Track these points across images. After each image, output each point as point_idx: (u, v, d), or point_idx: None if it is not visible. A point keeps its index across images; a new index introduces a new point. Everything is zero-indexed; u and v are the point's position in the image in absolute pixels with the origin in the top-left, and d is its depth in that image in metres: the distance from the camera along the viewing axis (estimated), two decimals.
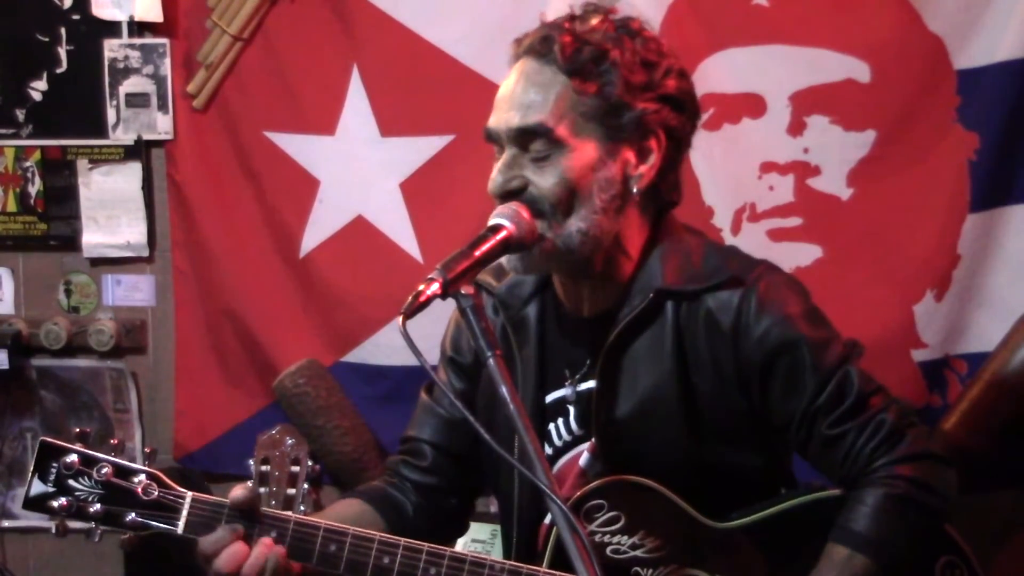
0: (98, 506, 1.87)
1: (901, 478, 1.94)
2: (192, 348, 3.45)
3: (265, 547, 1.86)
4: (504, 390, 1.73)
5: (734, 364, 1.98)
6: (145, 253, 3.47)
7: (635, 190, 1.98)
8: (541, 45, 1.97)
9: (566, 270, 2.03)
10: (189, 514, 1.88)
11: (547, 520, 2.07)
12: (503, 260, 1.97)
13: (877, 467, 1.95)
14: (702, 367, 1.99)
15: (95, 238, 3.47)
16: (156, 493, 1.88)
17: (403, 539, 1.90)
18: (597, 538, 1.97)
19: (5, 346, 3.42)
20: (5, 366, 3.42)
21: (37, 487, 1.88)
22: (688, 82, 2.04)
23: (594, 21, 2.00)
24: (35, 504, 1.88)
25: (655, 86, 1.98)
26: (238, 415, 3.41)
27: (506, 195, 1.94)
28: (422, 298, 1.74)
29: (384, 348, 3.26)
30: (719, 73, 3.01)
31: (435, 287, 1.75)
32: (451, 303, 1.80)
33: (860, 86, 2.95)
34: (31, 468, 1.88)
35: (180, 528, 1.88)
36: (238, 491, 1.87)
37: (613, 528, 1.98)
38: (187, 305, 3.45)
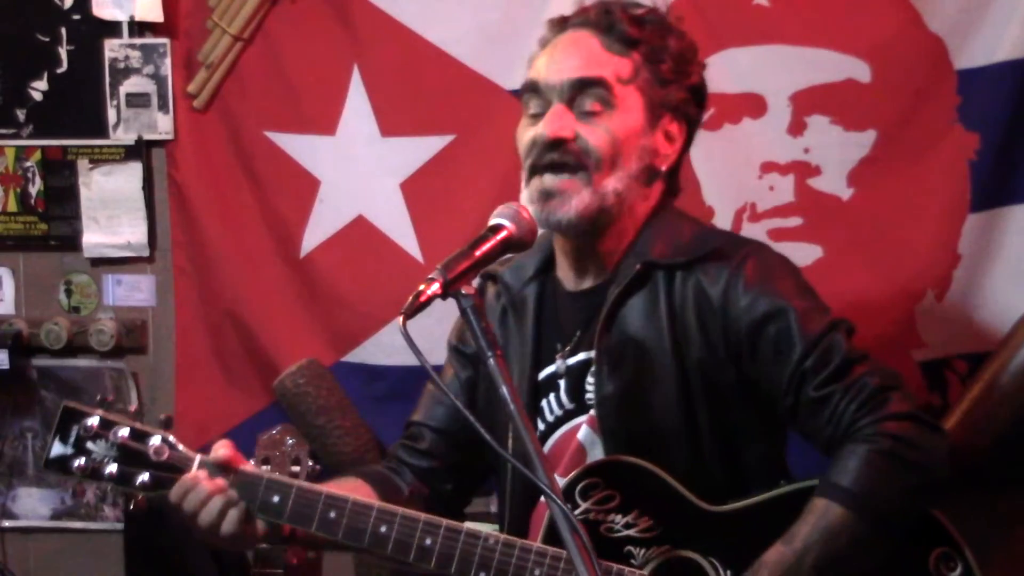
0: (113, 467, 1.95)
1: (885, 435, 1.94)
2: (192, 348, 3.45)
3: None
4: (505, 390, 1.74)
5: (723, 335, 2.02)
6: (145, 253, 3.47)
7: (662, 168, 2.10)
8: (602, 18, 2.09)
9: (586, 231, 2.07)
10: None
11: (541, 502, 2.10)
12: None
13: (861, 426, 1.96)
14: (693, 339, 2.04)
15: (95, 238, 3.47)
16: (167, 455, 1.97)
17: (401, 508, 1.97)
18: (591, 516, 2.00)
19: (5, 346, 3.42)
20: (5, 366, 3.42)
21: (57, 448, 1.96)
22: (705, 80, 2.18)
23: (641, 9, 2.14)
24: (55, 465, 1.97)
25: (690, 76, 2.13)
26: (238, 415, 3.41)
27: (554, 144, 2.02)
28: (422, 298, 1.75)
29: (385, 348, 3.26)
30: (719, 73, 2.99)
31: (435, 287, 1.76)
32: (452, 303, 1.81)
33: (860, 86, 2.95)
34: (53, 431, 1.96)
35: None
36: (217, 448, 1.99)
37: (607, 507, 2.00)
38: (187, 305, 3.45)
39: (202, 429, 3.43)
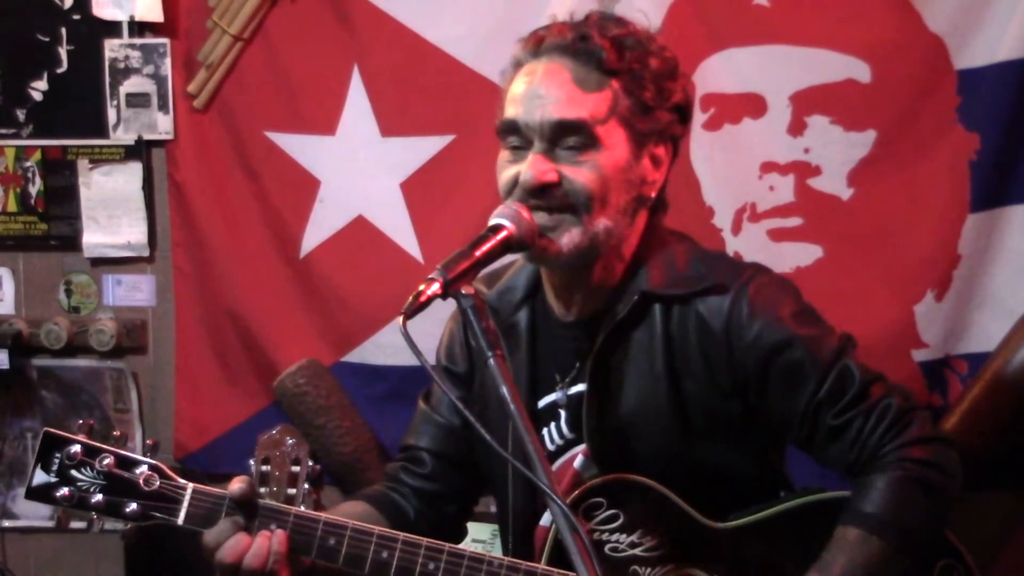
0: (99, 496, 1.89)
1: (914, 460, 1.93)
2: (192, 348, 3.46)
3: (266, 538, 1.88)
4: (505, 390, 1.73)
5: (728, 368, 1.98)
6: (145, 253, 3.47)
7: (652, 196, 2.02)
8: (579, 45, 1.97)
9: (576, 267, 2.01)
10: (190, 506, 1.90)
11: (543, 522, 2.09)
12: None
13: (887, 451, 1.94)
14: (694, 372, 1.99)
15: (95, 238, 3.47)
16: (157, 484, 1.90)
17: (402, 534, 1.92)
18: (596, 536, 1.97)
19: (6, 346, 3.42)
20: (6, 366, 3.43)
21: (40, 477, 1.89)
22: (690, 94, 2.08)
23: (620, 29, 2.01)
24: (37, 494, 1.89)
25: (674, 95, 2.02)
26: (238, 415, 3.41)
27: (539, 189, 1.93)
28: (423, 298, 1.74)
29: (384, 348, 3.27)
30: (719, 73, 3.01)
31: (436, 287, 1.75)
32: (452, 303, 1.80)
33: (860, 86, 2.95)
34: (34, 458, 1.88)
35: (180, 519, 1.90)
36: (236, 484, 1.89)
37: (612, 526, 1.98)
38: (187, 305, 3.45)
39: (202, 429, 3.44)
